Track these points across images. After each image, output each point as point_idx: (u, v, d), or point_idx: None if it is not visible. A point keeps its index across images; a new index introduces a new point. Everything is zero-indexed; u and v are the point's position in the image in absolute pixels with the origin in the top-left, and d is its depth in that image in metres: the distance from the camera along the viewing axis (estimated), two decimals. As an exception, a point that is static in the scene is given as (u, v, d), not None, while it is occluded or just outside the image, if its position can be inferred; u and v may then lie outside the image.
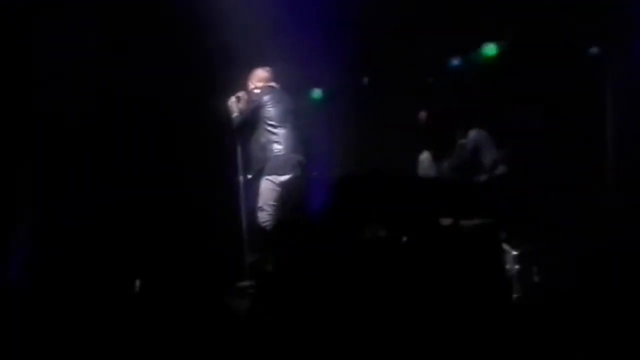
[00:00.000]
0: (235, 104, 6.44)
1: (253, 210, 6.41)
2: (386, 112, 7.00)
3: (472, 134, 5.85)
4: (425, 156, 6.04)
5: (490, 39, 6.40)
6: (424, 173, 5.86)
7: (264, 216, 6.15)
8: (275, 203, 6.15)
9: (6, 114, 6.73)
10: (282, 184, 6.16)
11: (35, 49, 6.66)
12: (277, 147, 6.19)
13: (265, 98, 6.29)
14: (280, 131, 6.22)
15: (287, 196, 6.23)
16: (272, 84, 6.45)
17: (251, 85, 6.48)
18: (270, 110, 6.26)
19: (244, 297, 5.79)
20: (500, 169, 5.62)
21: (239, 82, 6.57)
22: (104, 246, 6.79)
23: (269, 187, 6.16)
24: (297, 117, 6.41)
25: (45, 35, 6.57)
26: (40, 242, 6.77)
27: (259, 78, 6.48)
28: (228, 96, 6.50)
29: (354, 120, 7.14)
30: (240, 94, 6.47)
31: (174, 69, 7.11)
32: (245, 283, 6.22)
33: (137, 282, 6.06)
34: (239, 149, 6.57)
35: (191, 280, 6.28)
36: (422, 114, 5.96)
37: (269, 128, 6.23)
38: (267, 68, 6.51)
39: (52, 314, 4.85)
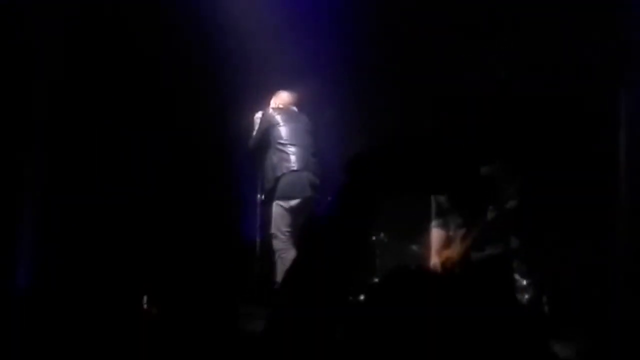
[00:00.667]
0: (258, 120, 6.40)
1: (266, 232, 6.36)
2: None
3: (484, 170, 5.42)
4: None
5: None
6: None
7: (278, 244, 6.04)
8: (288, 229, 6.03)
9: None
10: (292, 209, 6.05)
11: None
12: (287, 165, 6.10)
13: (277, 117, 6.26)
14: (291, 149, 6.16)
15: (299, 220, 6.07)
16: (292, 106, 6.43)
17: (273, 106, 6.45)
18: (281, 130, 6.21)
19: (251, 320, 5.80)
20: (511, 204, 5.28)
21: (264, 101, 6.56)
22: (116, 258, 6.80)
23: (280, 212, 6.07)
24: (311, 136, 6.33)
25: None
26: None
27: (282, 100, 6.46)
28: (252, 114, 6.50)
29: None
30: (264, 111, 6.43)
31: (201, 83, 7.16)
32: (252, 307, 6.20)
33: (145, 298, 6.07)
34: (257, 167, 6.53)
35: (203, 298, 6.29)
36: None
37: (279, 147, 6.17)
38: (292, 92, 6.48)
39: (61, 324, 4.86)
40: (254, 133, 6.37)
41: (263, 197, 6.40)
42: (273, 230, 6.09)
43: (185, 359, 4.44)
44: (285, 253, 5.96)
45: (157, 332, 4.90)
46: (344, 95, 6.84)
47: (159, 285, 6.40)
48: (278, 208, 6.09)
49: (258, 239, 6.58)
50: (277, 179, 6.11)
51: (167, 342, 4.68)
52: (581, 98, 5.87)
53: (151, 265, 6.92)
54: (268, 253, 6.23)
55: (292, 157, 6.13)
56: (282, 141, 6.19)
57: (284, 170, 6.10)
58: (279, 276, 6.00)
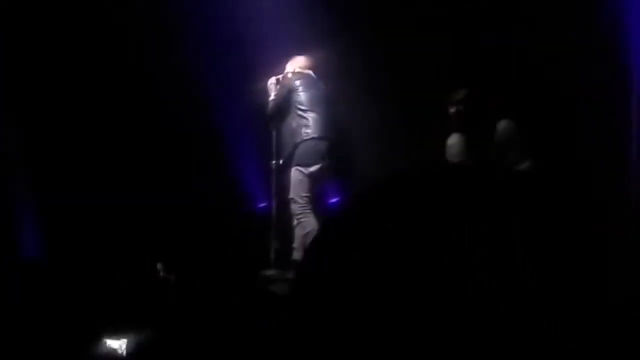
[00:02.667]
0: (274, 86, 6.37)
1: (283, 198, 6.34)
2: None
3: (504, 124, 5.46)
4: (454, 140, 5.51)
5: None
6: (455, 159, 5.48)
7: (297, 208, 6.05)
8: (307, 194, 6.06)
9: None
10: (311, 175, 6.08)
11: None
12: (306, 132, 6.10)
13: (297, 82, 6.22)
14: (311, 115, 6.13)
15: (317, 186, 6.18)
16: (309, 71, 6.37)
17: (288, 70, 6.41)
18: (301, 95, 6.18)
19: (270, 284, 5.75)
20: (525, 165, 5.24)
21: (279, 66, 6.51)
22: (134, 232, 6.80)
23: (298, 177, 6.08)
24: (329, 103, 6.31)
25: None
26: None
27: (298, 64, 6.41)
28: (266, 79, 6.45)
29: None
30: (280, 77, 6.40)
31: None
32: (271, 272, 6.18)
33: (160, 266, 6.04)
34: (273, 134, 6.48)
35: (219, 267, 6.25)
36: (462, 92, 5.37)
37: (300, 112, 6.15)
38: (308, 56, 6.43)
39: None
40: (272, 97, 6.35)
41: (280, 161, 6.37)
42: (292, 195, 6.10)
43: (203, 325, 4.36)
44: (304, 217, 6.01)
45: (173, 299, 4.84)
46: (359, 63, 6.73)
47: (175, 252, 6.38)
48: (297, 173, 6.09)
49: (274, 203, 6.52)
50: (296, 145, 6.12)
51: (184, 309, 4.61)
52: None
53: (166, 232, 6.90)
54: (284, 217, 6.26)
55: (312, 124, 6.12)
56: (302, 107, 6.17)
57: (304, 137, 6.10)
58: (297, 241, 6.03)
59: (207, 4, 7.06)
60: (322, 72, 6.41)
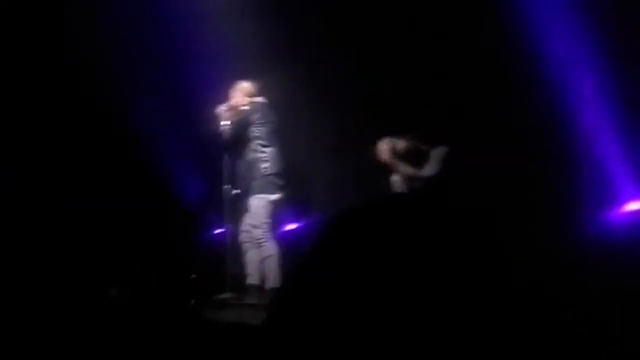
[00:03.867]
0: (224, 113, 6.41)
1: (237, 223, 6.41)
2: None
3: (437, 152, 5.90)
4: (395, 177, 6.02)
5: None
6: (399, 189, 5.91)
7: (259, 233, 6.12)
8: (268, 220, 6.17)
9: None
10: (273, 202, 6.20)
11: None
12: (264, 166, 6.19)
13: (255, 115, 6.27)
14: (268, 150, 6.23)
15: (276, 213, 6.31)
16: (259, 98, 6.42)
17: (237, 98, 6.45)
18: (260, 129, 6.25)
19: (224, 308, 5.81)
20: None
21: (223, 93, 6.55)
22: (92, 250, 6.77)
23: (261, 204, 6.16)
24: (282, 135, 6.40)
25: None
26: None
27: (245, 91, 6.45)
28: (214, 106, 6.50)
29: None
30: (229, 104, 6.44)
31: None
32: (226, 295, 6.24)
33: (113, 290, 6.04)
34: (225, 160, 6.54)
35: (172, 290, 6.27)
36: (384, 146, 6.00)
37: (258, 147, 6.23)
38: (252, 81, 6.48)
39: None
40: (227, 128, 6.39)
41: (236, 191, 6.41)
42: (253, 221, 6.16)
43: (153, 348, 4.41)
44: (265, 242, 6.11)
45: (126, 322, 4.85)
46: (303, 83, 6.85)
47: (128, 276, 6.38)
48: (259, 201, 6.17)
49: (228, 229, 6.59)
50: (254, 178, 6.19)
51: (136, 332, 4.64)
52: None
53: (119, 257, 6.90)
54: (239, 244, 6.29)
55: (270, 158, 6.22)
56: (260, 142, 6.25)
57: (263, 172, 6.19)
58: (253, 265, 6.13)
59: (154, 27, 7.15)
60: (267, 99, 6.46)
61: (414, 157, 5.89)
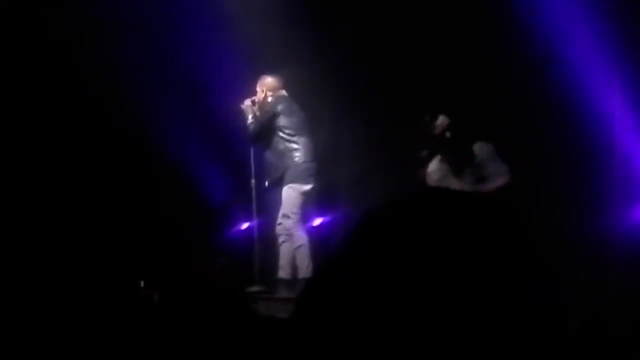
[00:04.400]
0: (250, 108, 6.46)
1: (267, 215, 6.48)
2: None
3: (480, 145, 5.59)
4: (435, 167, 5.68)
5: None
6: (437, 184, 5.54)
7: (290, 224, 6.19)
8: (299, 211, 6.23)
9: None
10: (305, 193, 6.25)
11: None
12: (297, 155, 6.25)
13: (280, 107, 6.33)
14: (299, 139, 6.29)
15: (307, 205, 6.37)
16: (283, 91, 6.47)
17: (260, 92, 6.49)
18: (286, 120, 6.30)
19: (253, 301, 5.84)
20: (503, 179, 5.49)
21: (249, 87, 6.59)
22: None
23: (292, 195, 6.22)
24: (311, 126, 6.46)
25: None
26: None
27: (268, 86, 6.48)
28: (240, 101, 6.53)
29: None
30: (255, 98, 6.49)
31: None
32: (255, 288, 6.29)
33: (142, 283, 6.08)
34: (251, 155, 6.61)
35: (200, 284, 6.31)
36: (443, 121, 5.57)
37: (286, 137, 6.29)
38: (276, 75, 6.52)
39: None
40: (253, 121, 6.42)
41: (266, 183, 6.45)
42: (285, 211, 6.22)
43: (189, 343, 4.45)
44: (296, 232, 6.17)
45: (156, 317, 4.90)
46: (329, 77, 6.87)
47: (159, 270, 6.42)
48: (291, 191, 6.23)
49: (257, 222, 6.66)
50: (287, 168, 6.24)
51: (168, 326, 4.68)
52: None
53: (149, 250, 6.95)
54: (272, 235, 6.35)
55: (302, 148, 6.28)
56: (288, 131, 6.30)
57: (297, 160, 6.25)
58: (284, 257, 6.18)
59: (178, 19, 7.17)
60: (291, 92, 6.50)
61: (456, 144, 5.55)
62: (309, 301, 1.26)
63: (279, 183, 6.28)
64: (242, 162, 6.81)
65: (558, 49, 5.86)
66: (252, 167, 6.60)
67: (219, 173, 7.63)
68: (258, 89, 6.50)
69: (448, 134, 5.54)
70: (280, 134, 6.30)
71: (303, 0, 7.01)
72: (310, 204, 6.46)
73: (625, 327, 4.78)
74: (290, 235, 6.16)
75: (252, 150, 6.61)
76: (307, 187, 6.25)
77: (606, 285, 5.54)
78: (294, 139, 6.29)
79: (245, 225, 7.33)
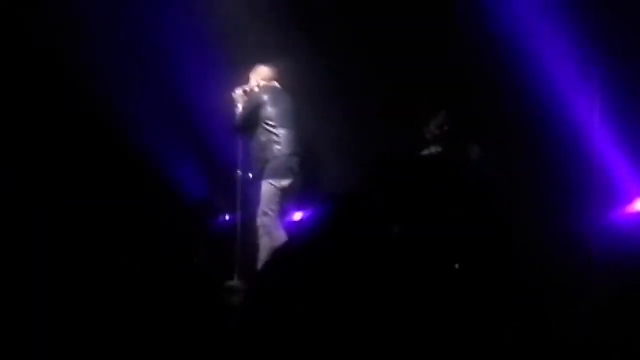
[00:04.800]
0: (240, 97, 6.37)
1: (250, 209, 6.35)
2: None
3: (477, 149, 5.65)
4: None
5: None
6: None
7: (267, 221, 6.05)
8: (277, 207, 6.10)
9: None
10: (284, 189, 6.11)
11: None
12: (277, 148, 6.10)
13: (265, 97, 6.20)
14: (281, 132, 6.13)
15: (287, 201, 6.23)
16: (274, 82, 6.36)
17: (253, 82, 6.39)
18: (270, 110, 6.16)
19: (234, 295, 5.75)
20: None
21: (243, 77, 6.49)
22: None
23: (271, 191, 6.08)
24: (298, 117, 6.30)
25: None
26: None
27: (262, 75, 6.39)
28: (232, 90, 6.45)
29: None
30: (246, 87, 6.39)
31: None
32: (235, 282, 6.18)
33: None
34: (239, 145, 6.50)
35: (183, 279, 6.22)
36: (442, 114, 5.63)
37: (269, 128, 6.14)
38: (272, 66, 6.42)
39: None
40: (240, 111, 6.34)
41: (250, 175, 6.37)
42: (264, 208, 6.09)
43: (170, 338, 4.36)
44: (274, 230, 6.01)
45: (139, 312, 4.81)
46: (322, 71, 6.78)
47: (140, 264, 6.34)
48: (269, 187, 6.09)
49: (240, 215, 6.53)
50: (267, 160, 6.10)
51: (150, 322, 4.61)
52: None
53: (131, 246, 6.86)
54: (254, 230, 6.20)
55: (283, 140, 6.11)
56: (271, 122, 6.15)
57: (275, 153, 6.10)
58: (264, 253, 6.00)
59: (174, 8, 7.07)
60: (286, 84, 6.41)
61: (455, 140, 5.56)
62: (258, 290, 1.23)
63: (259, 176, 6.16)
64: (226, 153, 6.69)
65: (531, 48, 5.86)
66: (240, 159, 6.48)
67: (199, 165, 7.52)
68: (252, 78, 6.40)
69: (446, 130, 5.49)
70: (264, 125, 6.15)
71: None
72: (291, 199, 6.30)
73: (606, 328, 4.76)
74: (269, 232, 6.02)
75: (239, 141, 6.49)
76: (286, 182, 6.09)
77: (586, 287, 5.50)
78: (276, 130, 6.13)
79: (227, 218, 7.23)
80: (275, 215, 6.07)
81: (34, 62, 7.03)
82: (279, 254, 1.34)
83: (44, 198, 6.90)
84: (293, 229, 6.34)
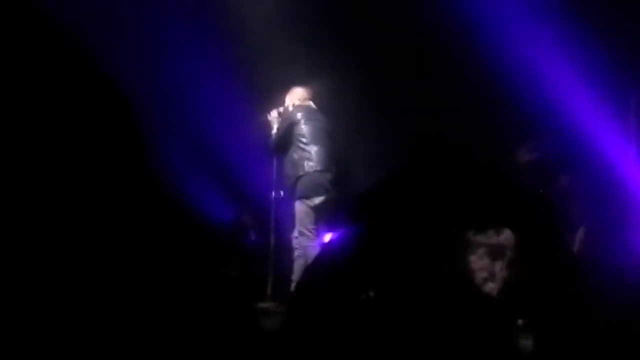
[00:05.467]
0: (276, 119, 6.42)
1: (283, 229, 6.38)
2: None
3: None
4: None
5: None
6: None
7: (304, 240, 6.06)
8: (313, 227, 6.08)
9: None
10: (317, 207, 6.09)
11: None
12: (309, 164, 6.11)
13: (298, 115, 6.24)
14: (313, 148, 6.15)
15: (321, 220, 6.17)
16: (309, 103, 6.40)
17: (288, 103, 6.43)
18: (303, 128, 6.20)
19: (267, 317, 5.71)
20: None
21: (278, 99, 6.54)
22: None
23: (304, 210, 6.09)
24: (331, 136, 6.32)
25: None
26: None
27: (297, 96, 6.43)
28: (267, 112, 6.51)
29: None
30: (281, 109, 6.44)
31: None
32: (268, 303, 6.16)
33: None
34: (274, 166, 6.54)
35: (216, 299, 6.19)
36: (533, 143, 5.48)
37: (301, 145, 6.16)
38: (306, 87, 6.47)
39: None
40: (275, 131, 6.39)
41: (282, 194, 6.43)
42: (299, 227, 6.10)
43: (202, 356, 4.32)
44: (311, 250, 5.97)
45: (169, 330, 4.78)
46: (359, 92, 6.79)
47: (172, 283, 6.32)
48: (302, 206, 6.11)
49: (273, 235, 6.54)
50: (299, 178, 6.13)
51: (180, 341, 4.58)
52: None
53: (163, 263, 6.84)
54: (288, 250, 6.23)
55: (314, 157, 6.13)
56: (304, 140, 6.18)
57: (307, 169, 6.11)
58: (298, 273, 5.98)
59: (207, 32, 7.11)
60: (321, 104, 6.45)
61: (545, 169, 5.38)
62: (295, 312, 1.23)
63: (292, 192, 6.18)
64: (260, 174, 6.73)
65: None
66: (274, 178, 6.51)
67: (234, 186, 7.52)
68: (287, 99, 6.46)
69: (535, 156, 5.41)
70: (297, 142, 6.18)
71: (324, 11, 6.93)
72: (325, 217, 6.22)
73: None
74: (305, 253, 6.01)
75: (274, 161, 6.53)
76: (318, 199, 6.08)
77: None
78: (308, 147, 6.14)
79: (261, 238, 7.23)
80: (312, 235, 6.06)
81: (39, 61, 7.07)
82: (312, 275, 1.34)
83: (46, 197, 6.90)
84: (324, 249, 6.30)
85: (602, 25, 5.73)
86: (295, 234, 6.12)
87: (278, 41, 6.90)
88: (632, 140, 5.80)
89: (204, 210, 7.43)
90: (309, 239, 6.05)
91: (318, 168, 6.11)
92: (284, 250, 6.35)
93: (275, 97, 6.57)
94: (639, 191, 5.68)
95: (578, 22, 5.74)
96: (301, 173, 6.11)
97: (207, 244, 7.15)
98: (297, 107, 6.33)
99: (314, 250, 5.98)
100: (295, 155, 6.18)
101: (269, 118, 6.46)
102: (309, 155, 6.13)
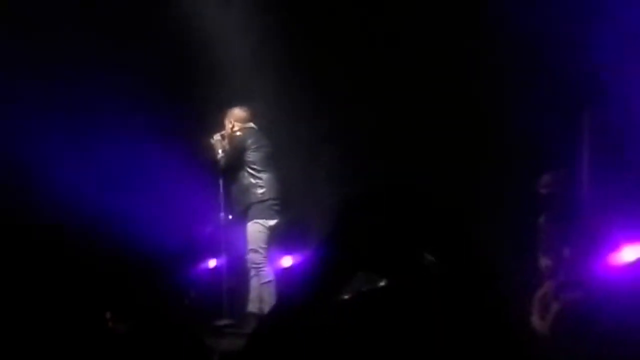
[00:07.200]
0: (219, 142, 6.47)
1: (233, 249, 6.48)
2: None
3: None
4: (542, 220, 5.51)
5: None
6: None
7: (257, 258, 6.18)
8: (265, 246, 6.21)
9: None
10: (271, 228, 6.23)
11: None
12: (261, 192, 6.22)
13: (249, 141, 6.32)
14: (264, 175, 6.26)
15: (273, 240, 6.34)
16: (251, 124, 6.46)
17: (229, 124, 6.47)
18: (253, 155, 6.29)
19: (221, 336, 5.81)
20: None
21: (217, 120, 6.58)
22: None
23: (258, 229, 6.21)
24: (275, 160, 6.45)
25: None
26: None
27: (237, 118, 6.46)
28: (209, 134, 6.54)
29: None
30: (223, 132, 6.48)
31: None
32: (223, 322, 6.26)
33: (108, 315, 6.00)
34: (220, 189, 6.60)
35: (170, 319, 6.26)
36: (549, 176, 5.41)
37: (252, 172, 6.26)
38: (245, 108, 6.51)
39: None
40: (221, 155, 6.43)
41: (230, 217, 6.52)
42: (253, 246, 6.20)
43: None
44: (263, 267, 6.17)
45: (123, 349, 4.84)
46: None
47: (125, 302, 6.35)
48: (257, 226, 6.22)
49: (224, 256, 6.66)
50: (250, 204, 6.22)
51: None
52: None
53: (116, 281, 6.86)
54: (242, 270, 6.35)
55: (266, 184, 6.24)
56: (254, 167, 6.28)
57: (260, 197, 6.22)
58: (253, 291, 6.17)
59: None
60: (259, 124, 6.50)
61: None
62: (260, 339, 1.26)
63: (243, 217, 6.28)
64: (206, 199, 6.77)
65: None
66: (222, 201, 6.57)
67: (179, 211, 7.53)
68: (226, 121, 6.47)
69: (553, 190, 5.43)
70: (247, 168, 6.27)
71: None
72: (277, 239, 6.43)
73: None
74: (258, 270, 6.16)
75: (221, 183, 6.57)
76: (273, 222, 6.24)
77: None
78: (259, 175, 6.26)
79: (214, 259, 7.30)
80: (264, 253, 6.20)
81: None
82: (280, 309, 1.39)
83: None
84: (288, 277, 6.45)
85: None
86: (248, 252, 6.23)
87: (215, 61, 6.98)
88: None
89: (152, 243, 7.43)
90: (261, 256, 6.17)
91: (271, 196, 6.24)
92: (236, 270, 6.46)
93: (213, 119, 6.62)
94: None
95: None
96: (254, 200, 6.21)
97: (164, 272, 7.20)
98: (246, 132, 6.37)
99: (266, 268, 6.16)
100: (245, 181, 6.27)
101: (212, 141, 6.50)
102: (261, 182, 6.24)
